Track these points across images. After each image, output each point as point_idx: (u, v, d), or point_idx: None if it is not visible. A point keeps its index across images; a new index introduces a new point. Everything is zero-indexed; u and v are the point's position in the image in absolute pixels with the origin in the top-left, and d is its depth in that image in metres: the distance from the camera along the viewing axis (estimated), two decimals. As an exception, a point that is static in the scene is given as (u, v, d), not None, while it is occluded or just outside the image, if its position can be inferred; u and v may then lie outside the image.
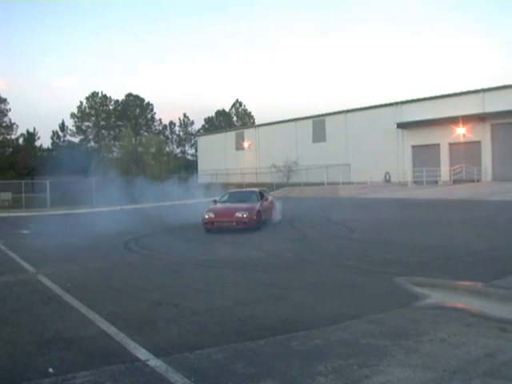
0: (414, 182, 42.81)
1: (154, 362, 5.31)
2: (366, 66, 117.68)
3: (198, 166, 72.72)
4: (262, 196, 20.32)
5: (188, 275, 10.75)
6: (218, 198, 21.20)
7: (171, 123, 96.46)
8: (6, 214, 31.03)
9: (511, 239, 13.85)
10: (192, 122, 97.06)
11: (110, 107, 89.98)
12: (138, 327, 6.69)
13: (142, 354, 5.60)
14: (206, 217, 18.28)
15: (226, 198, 20.99)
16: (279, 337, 6.05)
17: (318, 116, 55.98)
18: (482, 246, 12.83)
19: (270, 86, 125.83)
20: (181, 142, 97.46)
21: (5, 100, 76.93)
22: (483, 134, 41.38)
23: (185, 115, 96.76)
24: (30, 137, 77.88)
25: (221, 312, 7.40)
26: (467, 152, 41.77)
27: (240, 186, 45.13)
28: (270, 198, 21.35)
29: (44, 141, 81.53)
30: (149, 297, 8.63)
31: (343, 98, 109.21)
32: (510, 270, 9.63)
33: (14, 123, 77.09)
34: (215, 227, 18.20)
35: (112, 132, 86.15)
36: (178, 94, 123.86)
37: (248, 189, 26.40)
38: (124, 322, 6.94)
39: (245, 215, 17.85)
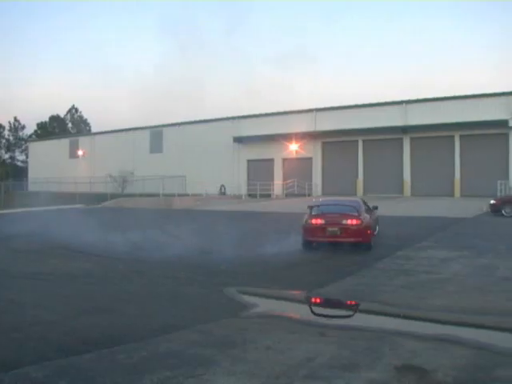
0: (249, 195, 44.02)
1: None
2: (203, 79, 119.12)
3: (29, 174, 68.97)
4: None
5: (12, 289, 10.02)
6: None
7: (0, 126, 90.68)
8: None
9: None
10: (23, 127, 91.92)
11: None
12: None
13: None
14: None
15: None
16: (105, 350, 5.82)
17: (156, 127, 55.70)
18: (318, 256, 13.44)
19: (107, 93, 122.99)
20: (10, 148, 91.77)
21: None
22: (315, 151, 43.93)
23: (15, 119, 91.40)
24: None
25: (45, 327, 6.97)
26: (300, 167, 44.04)
27: (73, 195, 43.58)
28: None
29: None
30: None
31: (181, 110, 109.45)
32: (331, 279, 10.16)
33: None
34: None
35: None
36: (8, 96, 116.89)
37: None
38: None
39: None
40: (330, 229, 13.87)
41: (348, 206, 14.52)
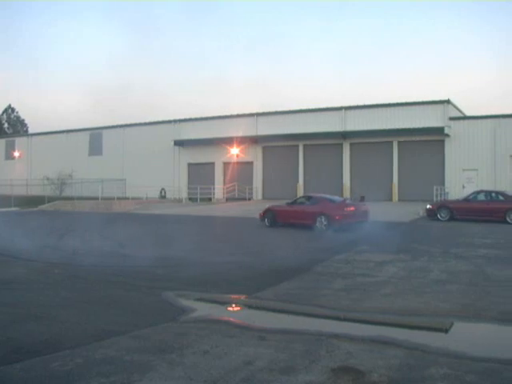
0: (189, 199, 43.84)
1: None
2: (145, 81, 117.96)
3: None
4: None
5: None
6: None
7: None
8: None
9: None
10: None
11: None
12: None
13: None
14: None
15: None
16: (38, 359, 5.66)
17: (96, 129, 54.78)
18: (253, 261, 13.48)
19: (46, 93, 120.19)
20: None
21: None
22: (255, 155, 44.10)
23: None
24: None
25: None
26: (241, 171, 44.14)
27: (8, 198, 42.33)
28: None
29: None
30: None
31: (122, 113, 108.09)
32: (268, 283, 10.22)
33: None
34: None
35: None
36: None
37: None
38: None
39: None
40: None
41: None
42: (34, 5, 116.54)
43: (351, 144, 40.70)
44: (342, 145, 40.96)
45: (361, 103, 41.12)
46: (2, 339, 6.55)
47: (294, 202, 23.63)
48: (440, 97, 41.27)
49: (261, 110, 45.36)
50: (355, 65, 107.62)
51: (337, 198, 24.91)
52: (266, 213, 23.48)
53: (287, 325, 7.45)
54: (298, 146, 42.55)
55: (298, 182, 42.32)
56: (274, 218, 22.98)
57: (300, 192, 41.54)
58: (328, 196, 24.12)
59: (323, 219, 20.85)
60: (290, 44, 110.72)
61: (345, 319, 7.80)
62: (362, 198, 23.15)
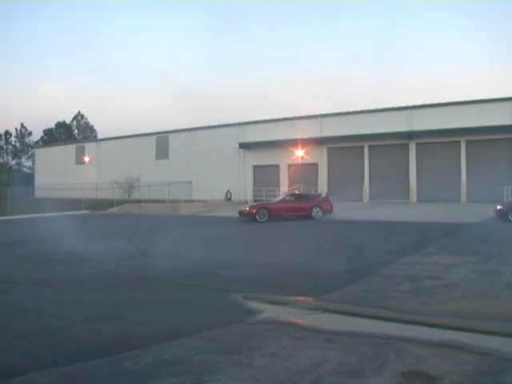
0: (255, 201, 44.03)
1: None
2: (211, 85, 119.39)
3: (36, 180, 69.20)
4: None
5: (16, 295, 10.06)
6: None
7: (7, 133, 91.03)
8: None
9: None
10: (30, 133, 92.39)
11: None
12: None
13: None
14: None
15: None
16: (111, 357, 5.82)
17: (162, 133, 55.85)
18: (313, 263, 13.43)
19: (113, 100, 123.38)
20: (17, 154, 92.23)
21: None
22: (320, 157, 43.89)
23: (22, 125, 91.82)
24: None
25: (50, 334, 6.97)
26: (305, 173, 44.02)
27: (79, 201, 43.72)
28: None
29: None
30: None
31: (188, 116, 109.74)
32: (337, 285, 10.14)
33: None
34: None
35: None
36: (15, 103, 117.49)
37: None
38: None
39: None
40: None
41: None
42: (95, 13, 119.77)
43: (417, 144, 39.93)
44: (407, 145, 40.26)
45: (427, 102, 40.30)
46: (76, 337, 6.79)
47: (284, 200, 30.02)
48: (509, 93, 39.96)
49: (325, 111, 45.15)
50: (418, 64, 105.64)
51: (316, 195, 34.05)
52: (260, 210, 28.11)
53: (354, 327, 7.37)
54: (363, 146, 42.14)
55: (363, 183, 41.86)
56: (269, 213, 27.85)
57: (365, 194, 41.15)
58: (312, 193, 35.40)
59: (318, 210, 28.73)
60: (354, 44, 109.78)
61: (414, 322, 7.64)
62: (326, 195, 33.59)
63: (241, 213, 28.90)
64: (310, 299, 9.35)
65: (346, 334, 6.78)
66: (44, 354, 6.09)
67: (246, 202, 43.47)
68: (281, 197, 31.82)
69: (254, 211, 27.98)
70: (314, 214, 28.24)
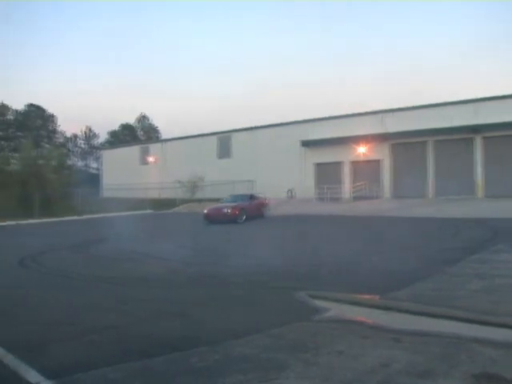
0: (317, 199, 43.83)
1: (45, 385, 5.02)
2: (271, 84, 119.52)
3: (102, 180, 71.05)
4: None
5: (87, 292, 10.35)
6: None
7: (74, 136, 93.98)
8: None
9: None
10: (96, 135, 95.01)
11: (10, 117, 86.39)
12: (30, 348, 6.32)
13: (32, 376, 5.28)
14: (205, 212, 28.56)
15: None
16: (178, 353, 5.93)
17: (224, 132, 56.32)
18: (380, 260, 13.25)
19: (175, 100, 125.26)
20: (84, 156, 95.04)
21: None
22: (383, 153, 43.20)
23: (89, 128, 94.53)
24: None
25: (119, 330, 7.19)
26: (368, 170, 43.42)
27: (143, 201, 44.63)
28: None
29: None
30: (43, 315, 8.27)
31: (249, 115, 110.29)
32: (403, 283, 9.98)
33: None
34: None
35: (11, 143, 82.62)
36: (82, 107, 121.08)
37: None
38: (14, 342, 6.54)
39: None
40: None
41: None
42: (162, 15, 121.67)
43: (483, 138, 38.63)
44: (472, 139, 39.05)
45: (494, 95, 38.95)
46: (144, 333, 6.96)
47: (252, 199, 32.29)
48: None
49: (387, 107, 44.45)
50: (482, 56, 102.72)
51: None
52: (241, 211, 28.58)
53: (422, 326, 7.21)
54: (426, 142, 41.23)
55: (427, 178, 40.99)
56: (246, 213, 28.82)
57: (431, 190, 40.37)
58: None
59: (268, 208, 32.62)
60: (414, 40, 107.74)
61: (484, 322, 7.42)
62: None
63: (208, 215, 28.69)
64: (376, 297, 9.24)
65: (413, 333, 6.66)
66: (114, 349, 6.29)
67: (308, 200, 43.29)
68: (232, 198, 32.55)
69: (237, 212, 28.32)
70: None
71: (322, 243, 17.60)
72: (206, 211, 28.94)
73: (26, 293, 10.40)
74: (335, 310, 8.23)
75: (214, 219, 27.79)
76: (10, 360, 5.87)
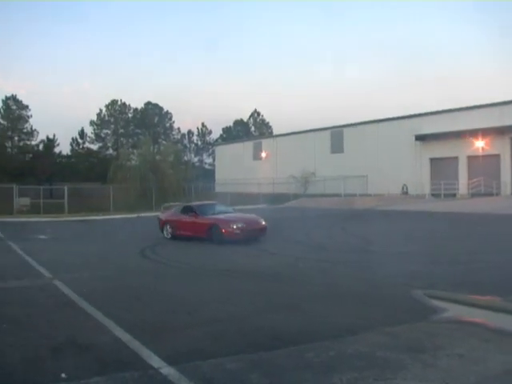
0: (432, 195, 42.45)
1: (167, 370, 5.24)
2: (383, 77, 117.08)
3: (215, 176, 72.76)
4: None
5: (201, 284, 10.71)
6: None
7: (189, 132, 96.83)
8: (24, 219, 31.33)
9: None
10: (210, 132, 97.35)
11: (129, 115, 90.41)
12: (152, 335, 6.62)
13: (155, 361, 5.54)
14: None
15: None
16: (293, 348, 5.96)
17: (337, 127, 55.85)
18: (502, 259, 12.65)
19: (288, 96, 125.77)
20: (198, 151, 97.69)
21: (26, 107, 78.39)
22: (502, 148, 40.97)
23: (203, 124, 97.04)
24: (50, 143, 78.58)
25: (234, 321, 7.36)
26: (486, 165, 41.29)
27: (256, 196, 45.23)
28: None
29: (63, 147, 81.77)
30: (164, 305, 8.63)
31: (360, 109, 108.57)
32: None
33: (35, 129, 78.56)
34: None
35: (130, 140, 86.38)
36: (196, 104, 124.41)
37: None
38: (138, 329, 6.87)
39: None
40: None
41: None
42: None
43: None
44: None
45: None
46: (259, 326, 7.08)
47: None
48: None
49: (507, 99, 42.08)
50: None
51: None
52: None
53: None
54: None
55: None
56: None
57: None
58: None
59: None
60: None
61: None
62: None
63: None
64: (496, 299, 8.81)
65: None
66: (230, 341, 6.43)
67: (422, 196, 42.08)
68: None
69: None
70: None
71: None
72: None
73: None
74: (453, 310, 7.93)
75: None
76: (136, 345, 6.16)
